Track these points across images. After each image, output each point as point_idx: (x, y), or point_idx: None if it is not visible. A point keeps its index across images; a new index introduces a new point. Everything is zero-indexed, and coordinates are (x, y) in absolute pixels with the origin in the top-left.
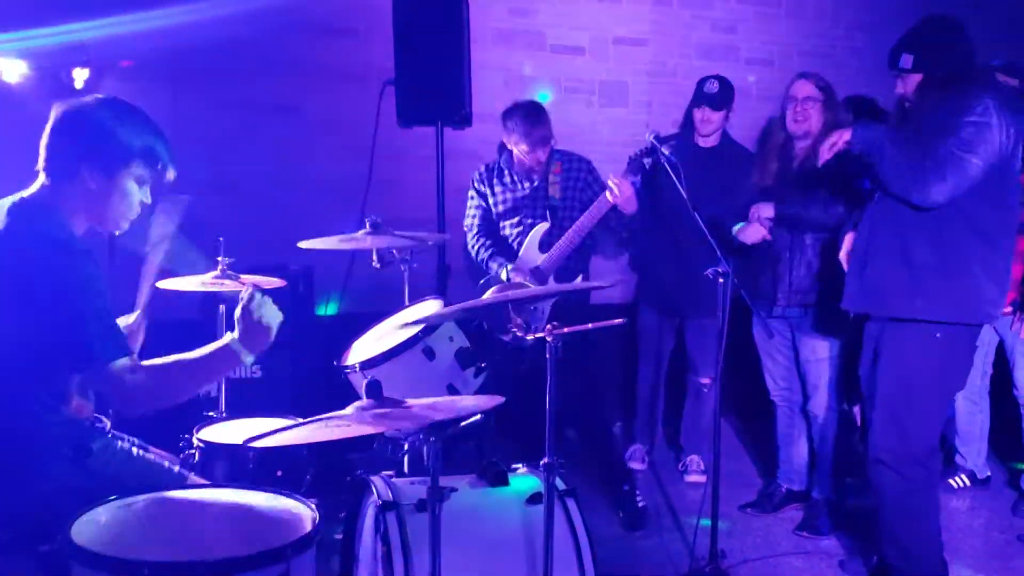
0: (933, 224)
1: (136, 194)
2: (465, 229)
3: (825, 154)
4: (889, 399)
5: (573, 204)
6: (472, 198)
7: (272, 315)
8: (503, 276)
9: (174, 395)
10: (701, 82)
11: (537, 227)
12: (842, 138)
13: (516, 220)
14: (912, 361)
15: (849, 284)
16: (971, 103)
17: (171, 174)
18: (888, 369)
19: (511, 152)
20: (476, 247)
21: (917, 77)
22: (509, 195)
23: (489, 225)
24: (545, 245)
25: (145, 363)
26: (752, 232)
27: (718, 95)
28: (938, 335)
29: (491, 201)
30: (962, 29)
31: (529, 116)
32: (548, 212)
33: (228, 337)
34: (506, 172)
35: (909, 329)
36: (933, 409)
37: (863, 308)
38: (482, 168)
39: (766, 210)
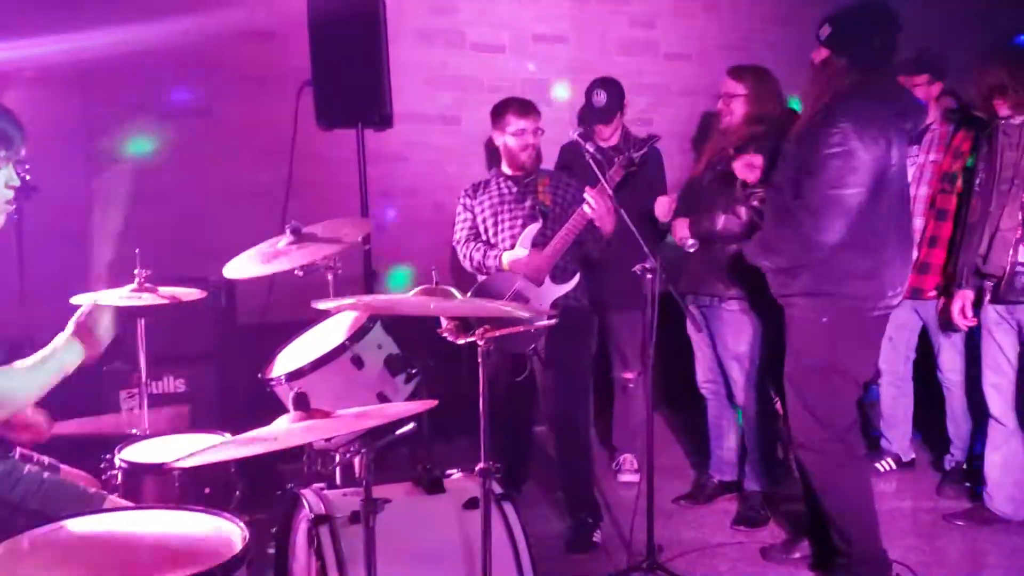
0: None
1: None
2: (454, 244)
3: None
4: (795, 383)
5: (562, 214)
6: (459, 214)
7: (106, 328)
8: (504, 263)
9: (20, 403)
10: (588, 92)
11: (529, 227)
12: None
13: (506, 222)
14: (805, 346)
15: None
16: (828, 134)
17: (22, 149)
18: (790, 354)
19: (498, 165)
20: (467, 253)
21: (825, 52)
22: (496, 199)
23: (478, 236)
24: (538, 245)
25: None
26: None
27: (606, 107)
28: (824, 320)
29: (477, 211)
30: (890, 25)
31: (522, 100)
32: (540, 213)
33: (62, 337)
34: (492, 182)
35: (800, 315)
36: (838, 391)
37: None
38: (468, 187)
39: (681, 230)
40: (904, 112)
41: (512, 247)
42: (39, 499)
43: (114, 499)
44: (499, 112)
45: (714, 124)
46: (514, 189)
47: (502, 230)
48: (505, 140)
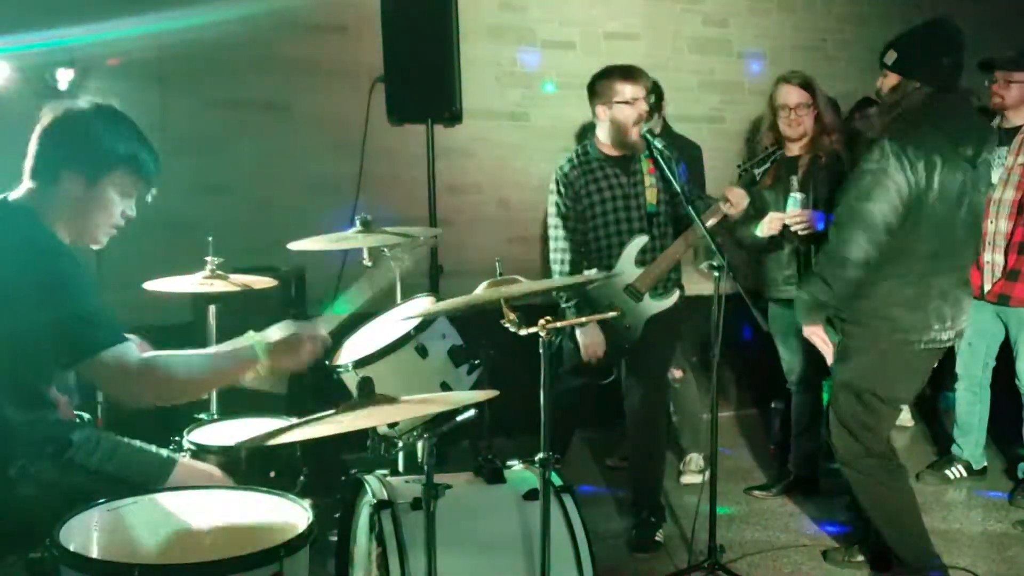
0: None
1: (117, 205)
2: (551, 236)
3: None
4: (835, 398)
5: (668, 214)
6: (553, 204)
7: (306, 358)
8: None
9: (181, 385)
10: None
11: (634, 241)
12: (816, 335)
13: (610, 228)
14: (847, 365)
15: None
16: (870, 148)
17: (154, 190)
18: (834, 370)
19: (594, 138)
20: (558, 269)
21: (895, 78)
22: (608, 194)
23: (571, 235)
24: (641, 261)
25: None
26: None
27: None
28: (870, 350)
29: (585, 203)
30: (955, 45)
31: (624, 65)
32: (647, 222)
33: (255, 337)
34: (595, 163)
35: (850, 337)
36: (873, 412)
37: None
38: (564, 165)
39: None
40: (963, 138)
41: (614, 254)
42: (116, 464)
43: (186, 461)
44: (602, 83)
45: (766, 132)
46: (623, 180)
47: (608, 235)
48: (614, 113)
